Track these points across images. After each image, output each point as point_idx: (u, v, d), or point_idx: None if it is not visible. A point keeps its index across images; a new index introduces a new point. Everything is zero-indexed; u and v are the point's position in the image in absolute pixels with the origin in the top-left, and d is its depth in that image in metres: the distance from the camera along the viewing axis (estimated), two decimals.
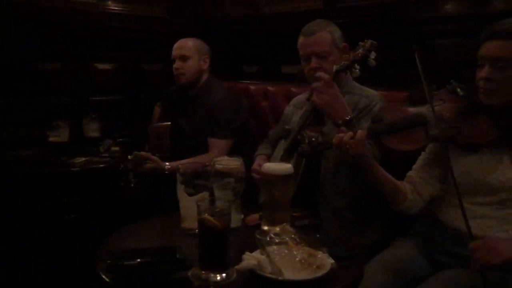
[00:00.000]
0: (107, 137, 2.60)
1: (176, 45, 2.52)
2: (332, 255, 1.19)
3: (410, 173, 1.67)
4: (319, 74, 1.77)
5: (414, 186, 1.63)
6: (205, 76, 2.52)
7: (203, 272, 1.11)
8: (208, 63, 2.53)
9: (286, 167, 1.39)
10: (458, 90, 1.56)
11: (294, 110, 2.13)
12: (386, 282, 1.47)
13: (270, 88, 2.66)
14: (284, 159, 1.92)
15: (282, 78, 2.80)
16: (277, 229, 1.27)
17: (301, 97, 2.12)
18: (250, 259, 1.11)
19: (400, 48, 1.97)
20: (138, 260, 1.13)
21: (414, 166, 1.68)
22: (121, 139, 2.65)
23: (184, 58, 2.47)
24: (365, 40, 1.67)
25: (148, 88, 3.16)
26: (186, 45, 2.50)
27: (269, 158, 2.12)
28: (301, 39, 1.95)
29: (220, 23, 3.11)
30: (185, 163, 1.87)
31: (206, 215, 1.09)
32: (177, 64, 2.48)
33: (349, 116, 1.64)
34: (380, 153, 1.71)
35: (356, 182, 1.81)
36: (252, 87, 2.76)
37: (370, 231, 1.86)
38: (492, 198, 1.49)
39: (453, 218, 1.52)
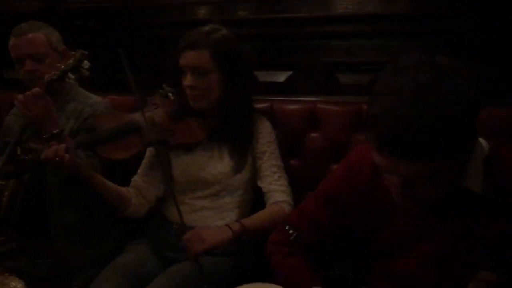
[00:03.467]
0: None
1: None
2: (32, 277, 1.12)
3: (134, 178, 1.70)
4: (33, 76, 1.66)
5: (139, 190, 1.67)
6: None
7: None
8: None
9: None
10: (170, 94, 1.64)
11: (16, 119, 1.94)
12: (116, 287, 1.46)
13: None
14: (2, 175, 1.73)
15: (4, 84, 2.52)
16: None
17: None
18: None
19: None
20: None
21: (139, 171, 1.72)
22: None
23: None
24: (76, 50, 1.63)
25: None
26: None
27: None
28: (12, 40, 1.80)
29: None
30: None
31: None
32: None
33: (57, 130, 1.51)
34: (101, 163, 1.68)
35: (85, 194, 1.75)
36: None
37: (105, 240, 1.82)
38: (208, 191, 1.63)
39: (176, 215, 1.60)
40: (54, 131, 1.48)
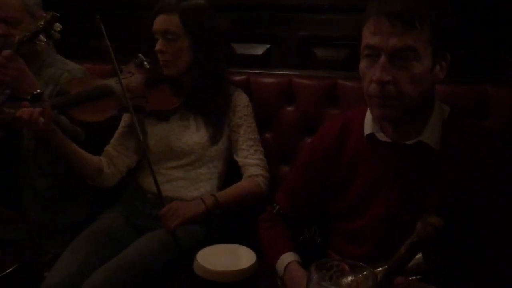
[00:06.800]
0: None
1: None
2: (5, 241, 1.12)
3: (107, 147, 1.70)
4: (5, 40, 1.63)
5: (111, 159, 1.67)
6: None
7: None
8: None
9: None
10: (145, 63, 1.64)
11: None
12: (89, 254, 1.47)
13: None
14: None
15: None
16: None
17: None
18: None
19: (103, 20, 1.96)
20: None
21: (112, 140, 1.71)
22: None
23: None
24: (47, 12, 1.60)
25: None
26: None
27: None
28: None
29: None
30: None
31: None
32: None
33: (37, 91, 1.53)
34: (81, 127, 1.67)
35: (58, 160, 1.74)
36: None
37: (77, 208, 1.82)
38: (183, 161, 1.64)
39: (151, 184, 1.62)
40: (35, 92, 1.48)
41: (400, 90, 1.03)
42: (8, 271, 1.05)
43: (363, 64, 1.08)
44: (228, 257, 0.97)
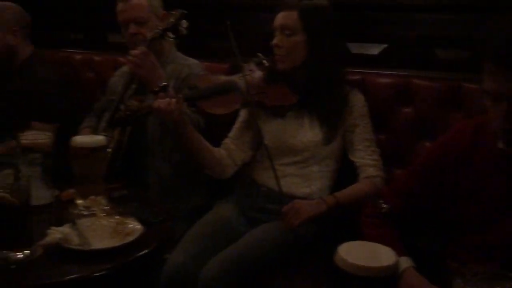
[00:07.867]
0: None
1: None
2: (142, 221, 1.24)
3: (225, 140, 1.78)
4: (136, 38, 1.77)
5: (229, 152, 1.74)
6: (23, 52, 2.15)
7: (3, 251, 1.06)
8: (20, 36, 2.14)
9: (94, 139, 1.37)
10: (264, 61, 1.70)
11: (120, 80, 2.10)
12: (207, 240, 1.56)
13: (96, 57, 2.55)
14: (106, 130, 1.90)
15: (109, 47, 2.70)
16: (88, 201, 1.27)
17: (127, 67, 2.09)
18: (55, 233, 1.10)
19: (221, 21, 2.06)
20: None
21: (230, 134, 1.79)
22: None
23: None
24: (175, 9, 1.73)
25: None
26: None
27: (95, 131, 2.05)
28: (119, 6, 1.94)
29: None
30: None
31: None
32: None
33: (163, 83, 1.65)
34: (204, 119, 1.78)
35: (181, 149, 1.86)
36: (76, 57, 2.61)
37: (195, 196, 1.94)
38: (296, 158, 1.67)
39: (266, 178, 1.69)
40: (162, 84, 1.61)
41: None
42: (149, 250, 1.15)
43: (484, 98, 1.04)
44: (368, 253, 0.99)
